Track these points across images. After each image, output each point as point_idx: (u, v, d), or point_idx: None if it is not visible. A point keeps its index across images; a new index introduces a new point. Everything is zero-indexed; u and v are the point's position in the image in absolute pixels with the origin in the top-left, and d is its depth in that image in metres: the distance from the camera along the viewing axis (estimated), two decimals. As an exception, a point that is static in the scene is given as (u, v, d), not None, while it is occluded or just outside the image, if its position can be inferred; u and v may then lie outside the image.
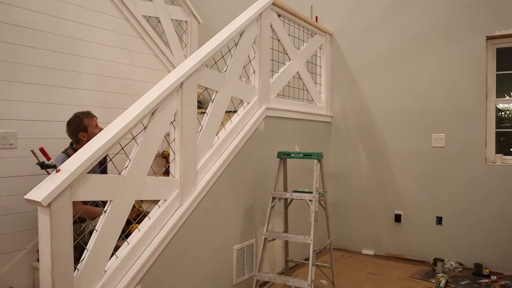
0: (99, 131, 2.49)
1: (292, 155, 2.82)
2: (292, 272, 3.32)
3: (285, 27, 3.37)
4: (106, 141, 1.82)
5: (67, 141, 2.93)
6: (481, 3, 3.38)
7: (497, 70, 3.45)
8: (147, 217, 2.17)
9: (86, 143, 2.64)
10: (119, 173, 1.99)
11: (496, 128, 3.44)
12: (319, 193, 2.68)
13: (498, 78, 3.45)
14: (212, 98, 2.61)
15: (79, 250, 1.87)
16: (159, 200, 2.24)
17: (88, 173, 1.77)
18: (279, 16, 3.28)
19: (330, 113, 4.11)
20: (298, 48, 3.57)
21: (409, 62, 3.72)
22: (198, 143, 2.43)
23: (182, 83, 2.26)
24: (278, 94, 3.31)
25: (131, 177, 1.99)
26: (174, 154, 2.31)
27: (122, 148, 2.06)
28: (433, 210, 3.60)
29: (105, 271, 1.90)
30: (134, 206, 2.30)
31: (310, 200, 2.59)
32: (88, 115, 2.68)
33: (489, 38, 3.40)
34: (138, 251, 2.06)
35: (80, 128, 2.64)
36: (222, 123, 2.71)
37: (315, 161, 2.66)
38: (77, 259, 1.79)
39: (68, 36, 3.09)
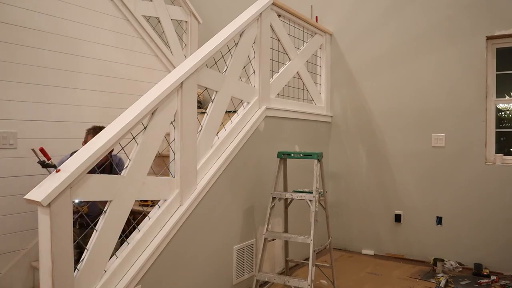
0: None
1: (292, 155, 2.82)
2: (292, 272, 3.32)
3: (285, 27, 3.37)
4: (106, 141, 1.82)
5: (67, 141, 2.94)
6: (481, 3, 3.38)
7: (497, 70, 3.44)
8: (147, 217, 2.17)
9: None
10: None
11: (496, 128, 3.44)
12: (319, 193, 2.68)
13: (498, 78, 3.45)
14: (212, 98, 2.61)
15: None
16: (159, 200, 2.24)
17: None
18: (279, 16, 3.28)
19: (330, 113, 4.11)
20: (298, 48, 3.57)
21: (409, 62, 3.72)
22: (198, 143, 2.43)
23: (182, 83, 2.25)
24: (278, 94, 3.31)
25: (131, 177, 1.99)
26: (174, 154, 2.31)
27: (122, 148, 2.06)
28: (433, 210, 3.60)
29: (105, 271, 1.90)
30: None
31: (310, 200, 2.59)
32: (89, 135, 2.63)
33: (489, 38, 3.40)
34: (138, 251, 2.06)
35: (84, 139, 2.65)
36: (222, 123, 2.71)
37: (315, 161, 2.66)
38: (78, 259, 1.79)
39: (68, 36, 3.09)
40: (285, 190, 2.93)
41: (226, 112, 2.70)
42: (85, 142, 2.64)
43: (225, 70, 2.69)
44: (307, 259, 3.13)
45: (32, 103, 2.87)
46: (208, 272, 2.53)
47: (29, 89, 2.85)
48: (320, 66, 4.06)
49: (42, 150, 1.75)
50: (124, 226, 2.00)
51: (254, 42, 2.95)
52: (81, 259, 1.81)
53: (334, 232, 3.76)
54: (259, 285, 2.72)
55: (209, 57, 2.45)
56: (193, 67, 2.31)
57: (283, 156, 2.82)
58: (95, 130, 2.59)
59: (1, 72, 2.70)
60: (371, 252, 3.90)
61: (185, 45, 4.22)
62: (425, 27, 3.63)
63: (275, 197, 2.75)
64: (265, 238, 2.70)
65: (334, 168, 4.13)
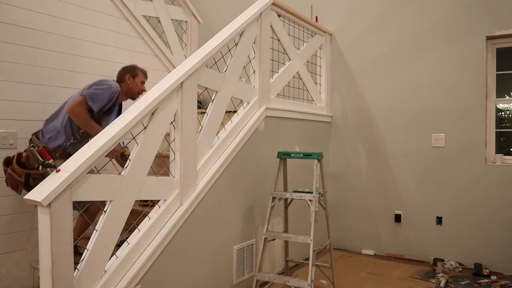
0: (140, 90, 2.72)
1: (292, 155, 2.82)
2: (292, 272, 3.32)
3: (285, 27, 3.37)
4: (106, 141, 1.82)
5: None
6: (481, 3, 3.38)
7: (497, 70, 3.44)
8: (147, 217, 2.17)
9: (126, 88, 2.71)
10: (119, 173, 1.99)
11: (496, 128, 3.44)
12: (319, 193, 2.68)
13: (498, 78, 3.45)
14: (212, 98, 2.61)
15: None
16: (159, 200, 2.24)
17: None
18: (279, 16, 3.28)
19: (330, 113, 4.11)
20: (298, 48, 3.57)
21: (409, 62, 3.72)
22: (198, 143, 2.43)
23: (182, 83, 2.26)
24: (278, 94, 3.31)
25: (131, 177, 1.99)
26: (174, 154, 2.31)
27: (122, 148, 2.06)
28: (433, 210, 3.60)
29: (105, 271, 1.90)
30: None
31: (310, 200, 2.59)
32: (140, 71, 2.83)
33: (489, 38, 3.40)
34: (138, 251, 2.06)
35: (132, 73, 2.78)
36: (222, 123, 2.71)
37: (315, 161, 2.66)
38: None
39: (68, 36, 3.09)
40: (285, 190, 2.93)
41: (226, 112, 2.70)
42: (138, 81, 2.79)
43: (225, 70, 2.69)
44: (307, 259, 3.12)
45: (32, 103, 2.87)
46: (208, 272, 2.53)
47: (29, 89, 2.85)
48: (320, 66, 4.06)
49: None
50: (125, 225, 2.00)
51: (254, 42, 2.95)
52: (81, 259, 1.81)
53: (334, 232, 3.76)
54: (259, 285, 2.72)
55: (209, 57, 2.45)
56: (193, 67, 2.31)
57: (283, 156, 2.83)
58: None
59: (1, 72, 2.70)
60: (371, 252, 3.90)
61: (185, 45, 4.22)
62: (425, 27, 3.63)
63: (275, 197, 2.76)
64: (265, 238, 2.70)
65: (334, 168, 4.13)
